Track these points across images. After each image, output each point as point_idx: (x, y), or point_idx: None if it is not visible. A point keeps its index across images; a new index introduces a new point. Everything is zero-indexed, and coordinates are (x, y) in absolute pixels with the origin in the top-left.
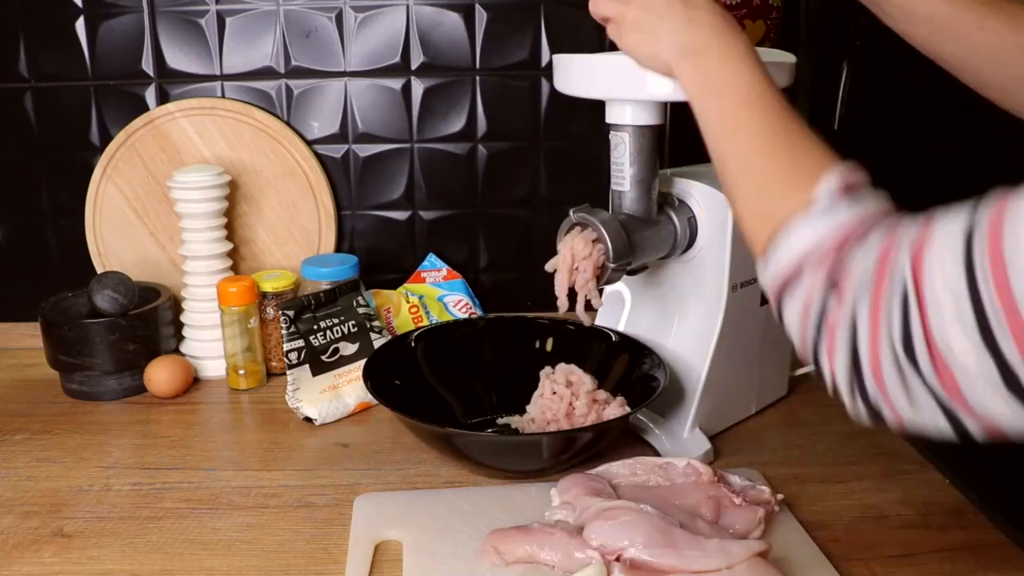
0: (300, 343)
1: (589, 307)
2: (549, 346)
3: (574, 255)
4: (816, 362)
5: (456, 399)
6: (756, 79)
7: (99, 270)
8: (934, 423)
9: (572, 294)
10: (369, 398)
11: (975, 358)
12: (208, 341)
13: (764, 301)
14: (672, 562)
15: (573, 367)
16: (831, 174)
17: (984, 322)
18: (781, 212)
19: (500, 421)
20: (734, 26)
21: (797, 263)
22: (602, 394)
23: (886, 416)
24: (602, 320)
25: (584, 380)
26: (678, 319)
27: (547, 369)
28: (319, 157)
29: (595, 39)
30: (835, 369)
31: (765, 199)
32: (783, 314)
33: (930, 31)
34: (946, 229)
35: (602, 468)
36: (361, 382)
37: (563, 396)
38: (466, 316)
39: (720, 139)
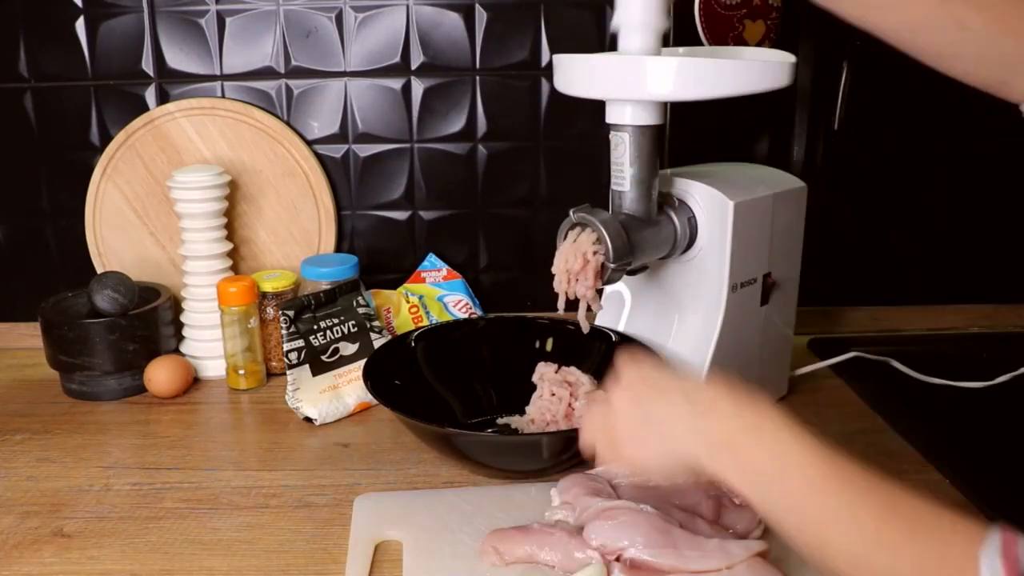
0: (300, 343)
1: (589, 309)
2: (549, 346)
3: (581, 257)
4: None
5: (456, 399)
6: (816, 451)
7: (99, 270)
8: None
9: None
10: (369, 398)
11: None
12: (208, 341)
13: (764, 301)
14: (672, 562)
15: (572, 369)
16: (988, 548)
17: None
18: None
19: (500, 421)
20: (758, 406)
21: None
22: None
23: None
24: (602, 320)
25: (583, 380)
26: (678, 319)
27: (541, 370)
28: (319, 157)
29: (595, 39)
30: None
31: None
32: None
33: (908, 29)
34: None
35: (602, 468)
36: (361, 382)
37: (562, 397)
38: (466, 316)
39: (810, 535)
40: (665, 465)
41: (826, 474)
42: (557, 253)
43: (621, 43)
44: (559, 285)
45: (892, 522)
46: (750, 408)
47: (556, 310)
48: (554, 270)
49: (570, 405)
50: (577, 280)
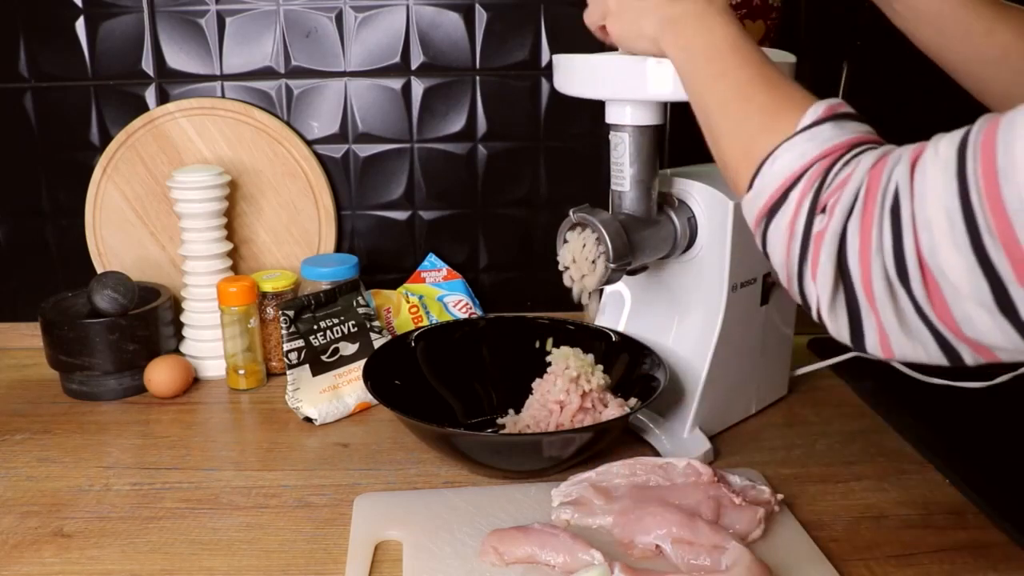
0: (300, 343)
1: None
2: (549, 346)
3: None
4: (800, 283)
5: (456, 399)
6: (730, 32)
7: (99, 270)
8: (924, 348)
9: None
10: (369, 398)
11: (966, 277)
12: (208, 341)
13: (764, 301)
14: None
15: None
16: (815, 104)
17: (976, 238)
18: (764, 144)
19: (500, 421)
20: None
21: (781, 186)
22: (606, 396)
23: (870, 338)
24: (602, 320)
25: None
26: (678, 319)
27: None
28: (319, 157)
29: (595, 39)
30: (819, 286)
31: (748, 137)
32: (767, 242)
33: (937, 32)
34: (939, 148)
35: (602, 468)
36: (361, 382)
37: (570, 391)
38: (466, 316)
39: (702, 94)
40: (633, 38)
41: (727, 52)
42: (563, 251)
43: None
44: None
45: (759, 88)
46: (712, 15)
47: (556, 310)
48: (565, 264)
49: (568, 404)
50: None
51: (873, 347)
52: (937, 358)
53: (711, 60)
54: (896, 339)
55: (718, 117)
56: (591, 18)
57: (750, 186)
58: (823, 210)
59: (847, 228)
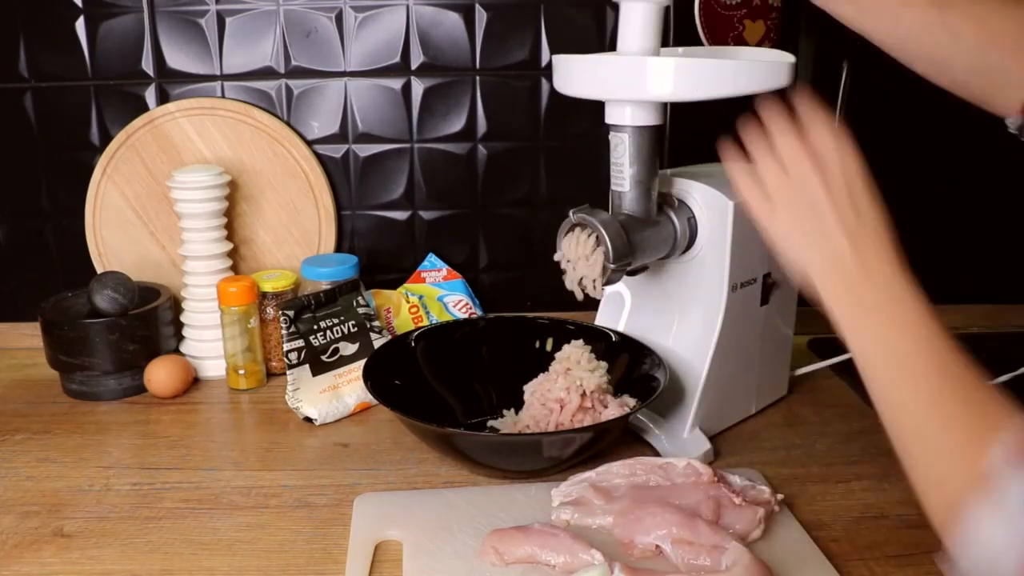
0: (300, 343)
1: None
2: (549, 346)
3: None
4: None
5: (456, 399)
6: (929, 329)
7: (99, 270)
8: None
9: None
10: (369, 398)
11: None
12: (208, 341)
13: (764, 301)
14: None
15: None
16: (1005, 435)
17: None
18: (953, 484)
19: (490, 423)
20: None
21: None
22: (606, 396)
23: None
24: (602, 320)
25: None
26: (678, 319)
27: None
28: (319, 157)
29: (595, 39)
30: None
31: (934, 466)
32: None
33: (857, 9)
34: None
35: (602, 468)
36: (361, 382)
37: (571, 390)
38: (466, 316)
39: (888, 391)
40: (794, 258)
41: (924, 367)
42: (561, 252)
43: (620, 44)
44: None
45: (951, 399)
46: (900, 289)
47: (556, 310)
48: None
49: (568, 404)
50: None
51: None
52: None
53: (901, 348)
54: None
55: (905, 427)
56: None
57: (946, 530)
58: None
59: None
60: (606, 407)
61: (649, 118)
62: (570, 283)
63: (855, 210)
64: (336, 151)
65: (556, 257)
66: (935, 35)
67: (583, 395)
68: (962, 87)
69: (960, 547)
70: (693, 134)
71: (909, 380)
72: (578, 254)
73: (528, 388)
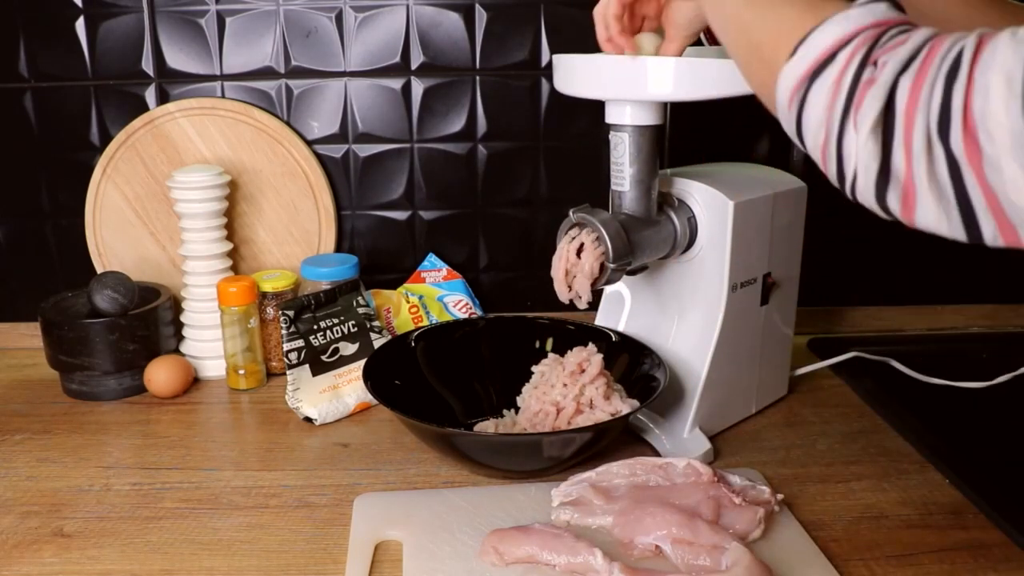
0: (300, 343)
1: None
2: (549, 346)
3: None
4: (839, 139)
5: (456, 399)
6: None
7: (99, 270)
8: (946, 214)
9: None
10: (369, 398)
11: (1010, 137)
12: (208, 341)
13: (764, 301)
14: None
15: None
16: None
17: None
18: (811, 22)
19: (480, 426)
20: None
21: (830, 47)
22: (611, 391)
23: (893, 195)
24: (602, 320)
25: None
26: (678, 319)
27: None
28: (319, 157)
29: (595, 39)
30: (860, 134)
31: (789, 20)
32: (805, 104)
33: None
34: (1018, 30)
35: (602, 468)
36: (361, 382)
37: (570, 385)
38: (466, 316)
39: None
40: None
41: None
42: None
43: None
44: (557, 282)
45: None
46: None
47: (556, 310)
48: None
49: (566, 403)
50: (575, 279)
51: (895, 204)
52: (957, 229)
53: None
54: (922, 198)
55: (753, 11)
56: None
57: (792, 54)
58: (874, 64)
59: (898, 81)
60: (605, 407)
61: (649, 118)
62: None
63: None
64: (336, 151)
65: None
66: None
67: (580, 392)
68: None
69: (797, 52)
70: (693, 134)
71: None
72: (568, 263)
73: (525, 390)
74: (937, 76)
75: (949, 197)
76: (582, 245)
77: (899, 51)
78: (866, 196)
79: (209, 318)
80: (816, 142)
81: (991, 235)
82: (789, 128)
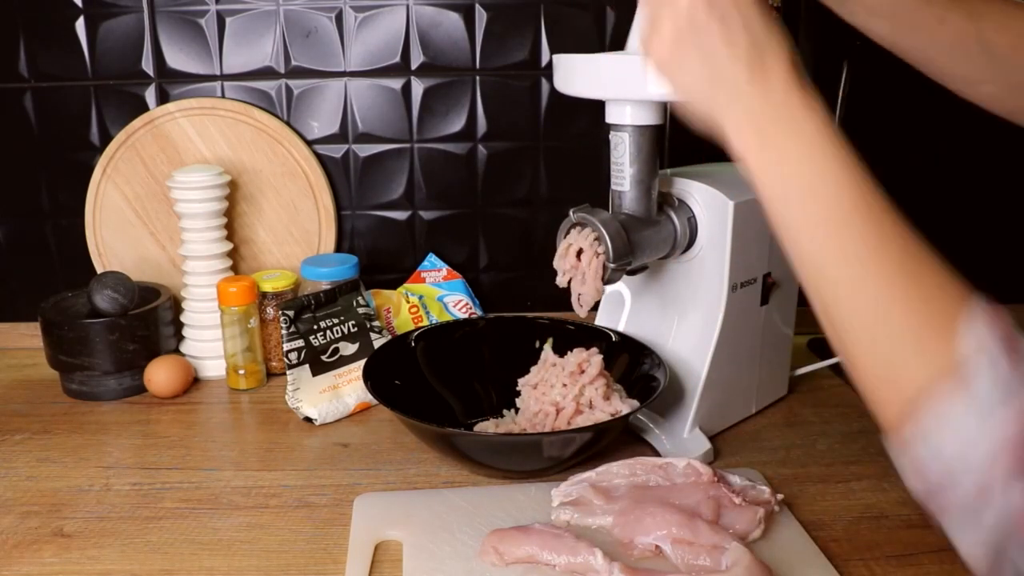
0: (300, 343)
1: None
2: (549, 346)
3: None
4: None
5: (456, 399)
6: (850, 174)
7: (99, 270)
8: None
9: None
10: (369, 398)
11: None
12: (208, 341)
13: (764, 301)
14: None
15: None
16: (972, 319)
17: None
18: (913, 377)
19: (479, 427)
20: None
21: (964, 473)
22: (611, 391)
23: None
24: (602, 320)
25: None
26: (678, 319)
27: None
28: (319, 157)
29: (595, 39)
30: None
31: (888, 353)
32: (951, 535)
33: (890, 25)
34: None
35: (602, 468)
36: (361, 382)
37: (570, 385)
38: (466, 316)
39: (808, 254)
40: (692, 99)
41: (849, 208)
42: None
43: (630, 43)
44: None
45: (896, 270)
46: (799, 94)
47: (556, 310)
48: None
49: (578, 404)
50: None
51: None
52: None
53: (824, 211)
54: None
55: (837, 298)
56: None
57: (897, 429)
58: None
59: None
60: (605, 407)
61: (649, 117)
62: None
63: (750, 36)
64: (336, 151)
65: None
66: (969, 49)
67: (579, 392)
68: (998, 102)
69: (921, 441)
70: (693, 134)
71: (834, 233)
72: (570, 265)
73: (522, 383)
74: None
75: None
76: (580, 250)
77: None
78: None
79: (209, 318)
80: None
81: None
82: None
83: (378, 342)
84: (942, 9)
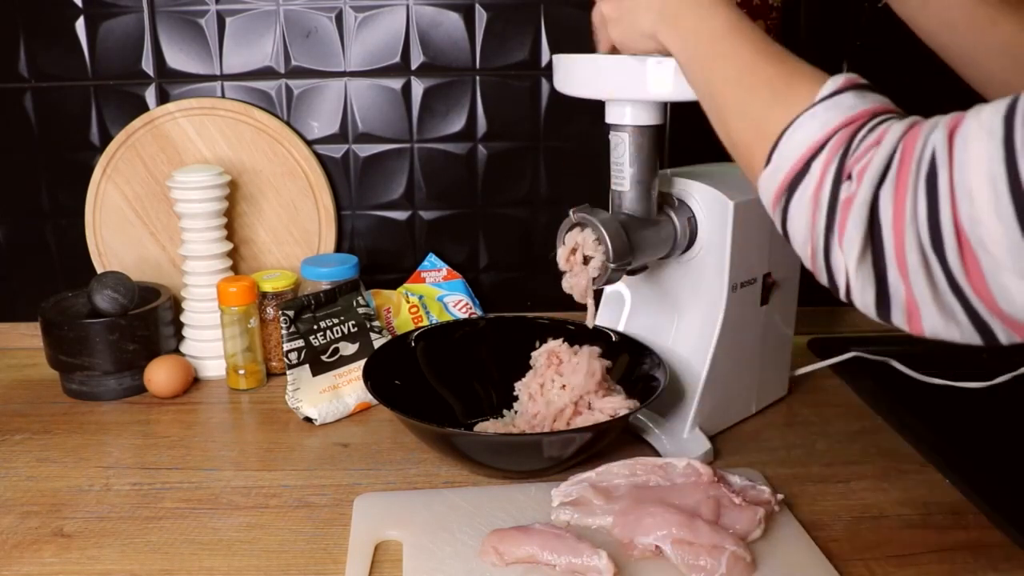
0: (300, 343)
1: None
2: (539, 351)
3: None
4: (826, 255)
5: (456, 399)
6: (730, 16)
7: (99, 270)
8: (957, 324)
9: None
10: (369, 398)
11: (1008, 247)
12: (208, 341)
13: (764, 301)
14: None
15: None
16: (833, 77)
17: (1022, 207)
18: (780, 118)
19: (478, 427)
20: None
21: (803, 156)
22: (610, 389)
23: (896, 311)
24: (602, 320)
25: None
26: (678, 319)
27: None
28: (319, 157)
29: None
30: (847, 254)
31: (759, 113)
32: (788, 217)
33: (942, 23)
34: (982, 116)
35: (602, 468)
36: (361, 382)
37: (573, 387)
38: (466, 316)
39: (707, 80)
40: (634, 38)
41: (729, 33)
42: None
43: None
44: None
45: (768, 63)
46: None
47: (556, 310)
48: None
49: (567, 404)
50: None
51: (900, 320)
52: (970, 336)
53: (713, 43)
54: (927, 313)
55: (725, 97)
56: (598, 35)
57: (767, 161)
58: (849, 177)
59: (878, 196)
60: (605, 405)
61: (649, 118)
62: (567, 287)
63: None
64: (336, 151)
65: (557, 258)
66: (1018, 57)
67: (578, 401)
68: (1001, 84)
69: (772, 158)
70: (693, 134)
71: (725, 57)
72: (571, 262)
73: (519, 386)
74: (918, 184)
75: (955, 309)
76: (584, 256)
77: (873, 160)
78: (866, 311)
79: (209, 318)
80: (804, 252)
81: (1006, 338)
82: (777, 227)
83: (378, 342)
84: (996, 12)
